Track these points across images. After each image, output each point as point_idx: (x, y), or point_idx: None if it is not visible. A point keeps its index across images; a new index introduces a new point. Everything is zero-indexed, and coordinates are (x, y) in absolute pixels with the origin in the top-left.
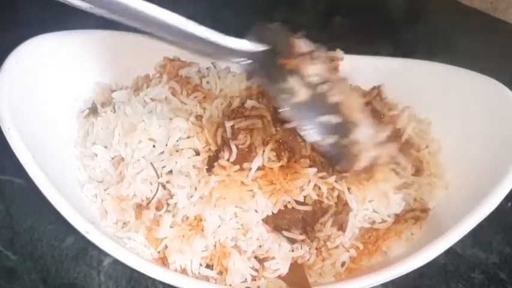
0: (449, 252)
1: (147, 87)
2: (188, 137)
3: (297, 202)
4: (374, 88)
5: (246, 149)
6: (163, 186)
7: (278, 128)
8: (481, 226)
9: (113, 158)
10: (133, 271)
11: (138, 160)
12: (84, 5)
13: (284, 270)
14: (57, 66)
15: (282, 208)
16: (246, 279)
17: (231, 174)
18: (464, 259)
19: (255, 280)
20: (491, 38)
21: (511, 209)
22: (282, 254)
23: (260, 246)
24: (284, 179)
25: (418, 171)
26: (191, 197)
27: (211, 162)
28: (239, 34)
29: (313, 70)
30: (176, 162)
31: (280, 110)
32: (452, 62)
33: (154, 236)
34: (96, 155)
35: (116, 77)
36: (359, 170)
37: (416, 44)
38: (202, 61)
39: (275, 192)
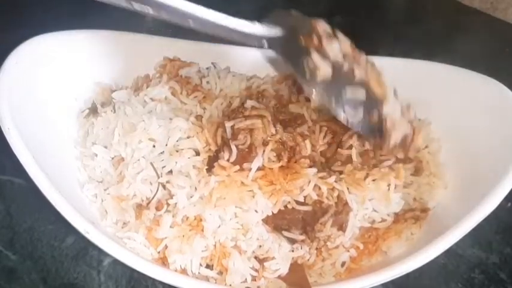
0: (449, 252)
1: (147, 87)
2: (188, 137)
3: (297, 202)
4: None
5: (246, 149)
6: (163, 186)
7: (278, 128)
8: (481, 226)
9: (113, 158)
10: (133, 271)
11: (138, 160)
12: None
13: (284, 270)
14: (57, 66)
15: (282, 208)
16: (246, 279)
17: (231, 175)
18: (464, 259)
19: (255, 280)
20: (491, 38)
21: (511, 209)
22: (282, 254)
23: (260, 246)
24: (284, 179)
25: (417, 171)
26: (191, 197)
27: (211, 163)
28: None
29: (336, 48)
30: (176, 162)
31: (309, 93)
32: (452, 62)
33: (154, 236)
34: (96, 155)
35: (116, 77)
36: (393, 147)
37: (416, 44)
38: (202, 61)
39: (275, 192)
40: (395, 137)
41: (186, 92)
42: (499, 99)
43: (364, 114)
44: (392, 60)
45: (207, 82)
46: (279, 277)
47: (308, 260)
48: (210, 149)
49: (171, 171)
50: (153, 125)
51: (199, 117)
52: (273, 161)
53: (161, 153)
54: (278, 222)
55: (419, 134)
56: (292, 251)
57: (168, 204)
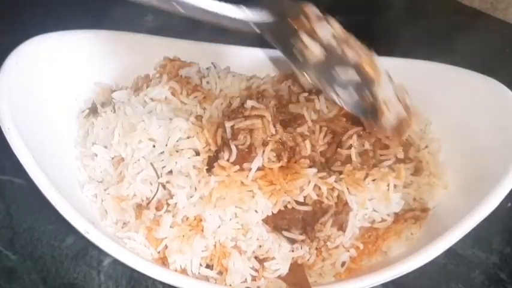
0: (449, 252)
1: (147, 87)
2: (188, 137)
3: (297, 202)
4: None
5: (246, 149)
6: (163, 186)
7: (278, 128)
8: (481, 226)
9: (113, 158)
10: (133, 271)
11: (138, 160)
12: None
13: (284, 270)
14: (57, 66)
15: (282, 208)
16: (246, 279)
17: (231, 175)
18: (464, 259)
19: (255, 280)
20: (491, 38)
21: (511, 209)
22: (282, 254)
23: (260, 246)
24: (284, 179)
25: (417, 171)
26: (191, 197)
27: (211, 163)
28: None
29: (327, 30)
30: (176, 163)
31: (301, 76)
32: (452, 62)
33: (154, 236)
34: (96, 155)
35: (116, 77)
36: (390, 129)
37: (416, 44)
38: (202, 61)
39: (275, 192)
40: (389, 118)
41: (186, 92)
42: (499, 99)
43: (358, 96)
44: (392, 60)
45: (207, 82)
46: (279, 277)
47: (308, 260)
48: (210, 149)
49: (171, 171)
50: (153, 125)
51: (199, 117)
52: (273, 161)
53: (161, 153)
54: (278, 222)
55: (413, 117)
56: (292, 251)
57: (168, 204)
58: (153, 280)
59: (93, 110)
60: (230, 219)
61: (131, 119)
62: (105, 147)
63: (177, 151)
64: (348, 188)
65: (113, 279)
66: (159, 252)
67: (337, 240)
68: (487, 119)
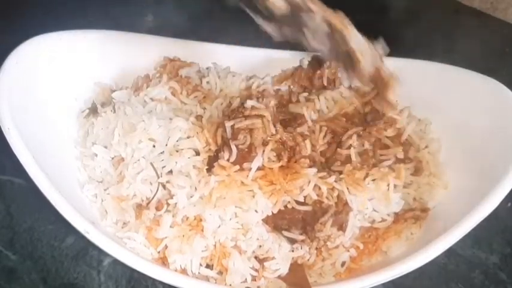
0: (449, 252)
1: (147, 87)
2: (188, 137)
3: (297, 202)
4: (374, 88)
5: (246, 149)
6: (163, 186)
7: (278, 128)
8: (481, 226)
9: (113, 158)
10: (133, 271)
11: (138, 160)
12: None
13: (284, 270)
14: (57, 66)
15: (282, 208)
16: (246, 279)
17: (231, 174)
18: (464, 259)
19: (255, 280)
20: (491, 38)
21: (511, 209)
22: (282, 254)
23: (260, 246)
24: (284, 179)
25: (417, 171)
26: (191, 197)
27: (211, 162)
28: None
29: None
30: (176, 162)
31: (267, 29)
32: (452, 62)
33: (154, 236)
34: (96, 155)
35: (116, 77)
36: (368, 76)
37: (416, 44)
38: (202, 61)
39: (275, 192)
40: (365, 65)
41: (186, 92)
42: (499, 99)
43: (330, 43)
44: (392, 60)
45: (207, 82)
46: (279, 277)
47: (308, 260)
48: (210, 149)
49: (171, 171)
50: (153, 125)
51: (199, 117)
52: (273, 161)
53: (161, 153)
54: (278, 222)
55: (394, 82)
56: (292, 251)
57: (168, 204)
58: (153, 280)
59: (93, 110)
60: (230, 219)
61: (131, 119)
62: (105, 147)
63: (177, 151)
64: (348, 188)
65: (113, 279)
66: (159, 252)
67: (337, 240)
68: (487, 119)
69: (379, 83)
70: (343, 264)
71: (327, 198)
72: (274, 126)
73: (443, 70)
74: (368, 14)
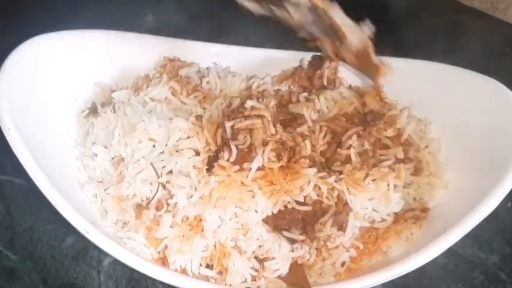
0: (449, 252)
1: (147, 87)
2: (188, 137)
3: (297, 202)
4: (374, 88)
5: (246, 149)
6: (163, 186)
7: (278, 128)
8: (481, 226)
9: (113, 158)
10: (133, 271)
11: (138, 160)
12: None
13: (284, 270)
14: (57, 66)
15: (282, 208)
16: (246, 279)
17: (231, 175)
18: (464, 259)
19: (255, 280)
20: (491, 38)
21: (511, 209)
22: (282, 254)
23: (260, 246)
24: (284, 179)
25: (417, 171)
26: (191, 197)
27: (211, 163)
28: None
29: None
30: (176, 163)
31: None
32: (452, 62)
33: (154, 236)
34: (96, 155)
35: (116, 77)
36: (356, 51)
37: (416, 44)
38: (202, 61)
39: (275, 192)
40: (352, 40)
41: (186, 92)
42: (499, 99)
43: (313, 16)
44: (392, 60)
45: (207, 82)
46: (279, 277)
47: (308, 260)
48: (210, 149)
49: (171, 171)
50: (153, 125)
51: (199, 117)
52: (273, 161)
53: (161, 153)
54: (278, 222)
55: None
56: (292, 251)
57: (168, 204)
58: (153, 280)
59: (93, 110)
60: (230, 219)
61: (131, 119)
62: (105, 147)
63: (177, 151)
64: (348, 188)
65: (113, 279)
66: (159, 252)
67: (337, 240)
68: (487, 119)
69: (367, 64)
70: (343, 264)
71: (327, 198)
72: (274, 126)
73: (443, 70)
74: (368, 14)
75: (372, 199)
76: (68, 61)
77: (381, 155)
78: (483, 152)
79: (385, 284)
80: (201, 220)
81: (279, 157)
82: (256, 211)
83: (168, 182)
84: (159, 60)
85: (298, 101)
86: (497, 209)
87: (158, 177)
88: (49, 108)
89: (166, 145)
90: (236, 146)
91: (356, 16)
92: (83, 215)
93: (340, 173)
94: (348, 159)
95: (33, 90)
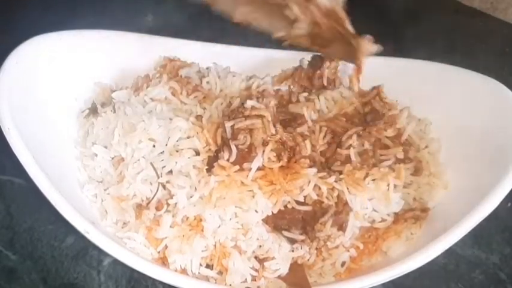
0: (449, 252)
1: (147, 87)
2: (188, 137)
3: (297, 202)
4: (374, 88)
5: (246, 149)
6: (163, 186)
7: (278, 128)
8: (481, 226)
9: (113, 158)
10: (133, 271)
11: (138, 160)
12: None
13: (284, 270)
14: (57, 66)
15: (282, 208)
16: (246, 279)
17: (231, 175)
18: (464, 259)
19: (255, 280)
20: (491, 38)
21: (511, 209)
22: (282, 254)
23: (260, 246)
24: (284, 179)
25: (417, 171)
26: (191, 197)
27: (211, 163)
28: None
29: None
30: (176, 162)
31: None
32: (452, 62)
33: (154, 236)
34: (96, 155)
35: (116, 77)
36: (323, 12)
37: (416, 44)
38: (202, 61)
39: (275, 192)
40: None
41: (186, 92)
42: (499, 99)
43: None
44: (392, 60)
45: (207, 82)
46: (279, 277)
47: (308, 260)
48: (210, 149)
49: (171, 171)
50: (153, 125)
51: (199, 117)
52: (273, 161)
53: (161, 153)
54: (278, 222)
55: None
56: (292, 251)
57: (168, 204)
58: (153, 280)
59: (93, 110)
60: (230, 219)
61: (131, 119)
62: (105, 147)
63: (177, 151)
64: (348, 188)
65: (113, 279)
66: (159, 252)
67: (337, 240)
68: (487, 119)
69: (343, 41)
70: (343, 264)
71: (327, 198)
72: (274, 126)
73: (443, 70)
74: (368, 14)
75: (372, 199)
76: (68, 61)
77: (381, 155)
78: (483, 152)
79: (385, 284)
80: (201, 220)
81: (279, 157)
82: (256, 211)
83: (168, 182)
84: (159, 60)
85: (298, 101)
86: (497, 209)
87: (158, 177)
88: (49, 108)
89: (166, 145)
90: (236, 146)
91: (356, 16)
92: (83, 215)
93: (340, 173)
94: (348, 159)
95: (33, 90)
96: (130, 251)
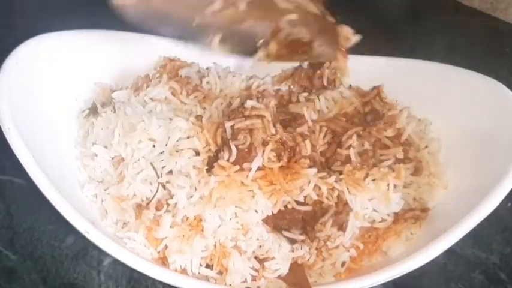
0: (449, 252)
1: (147, 87)
2: (188, 137)
3: (297, 202)
4: (374, 88)
5: (246, 149)
6: (163, 186)
7: (278, 128)
8: (481, 226)
9: (113, 158)
10: (133, 271)
11: (138, 160)
12: None
13: (284, 270)
14: (57, 66)
15: (282, 208)
16: (246, 279)
17: (231, 175)
18: (464, 259)
19: (255, 280)
20: (491, 38)
21: (511, 209)
22: (282, 254)
23: (260, 246)
24: (284, 179)
25: (417, 171)
26: (191, 197)
27: (211, 163)
28: None
29: None
30: (176, 163)
31: None
32: (452, 62)
33: (154, 236)
34: (96, 155)
35: (116, 77)
36: None
37: (416, 44)
38: (202, 61)
39: (275, 192)
40: None
41: (186, 92)
42: (499, 99)
43: None
44: (392, 60)
45: (207, 82)
46: (279, 277)
47: (308, 260)
48: (210, 149)
49: (171, 171)
50: (153, 125)
51: (199, 117)
52: (273, 161)
53: (161, 153)
54: (278, 222)
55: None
56: (292, 251)
57: (168, 204)
58: (153, 280)
59: (93, 110)
60: (230, 219)
61: (131, 119)
62: (105, 147)
63: (177, 151)
64: (348, 188)
65: (113, 279)
66: (159, 252)
67: (337, 240)
68: (487, 119)
69: (323, 28)
70: (343, 264)
71: (327, 198)
72: (274, 126)
73: (443, 70)
74: (368, 14)
75: (372, 199)
76: (68, 61)
77: (381, 155)
78: (483, 152)
79: (385, 284)
80: (201, 220)
81: (279, 157)
82: (256, 211)
83: (168, 182)
84: (159, 60)
85: (298, 101)
86: (497, 209)
87: (158, 177)
88: (49, 108)
89: (166, 145)
90: (236, 146)
91: (356, 16)
92: (83, 215)
93: (340, 173)
94: (348, 159)
95: (33, 90)
96: (131, 251)
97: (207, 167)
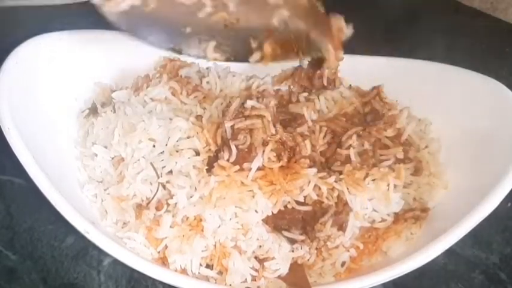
0: (449, 252)
1: (147, 87)
2: (188, 137)
3: (297, 202)
4: (374, 88)
5: (246, 149)
6: (163, 186)
7: (278, 128)
8: (481, 226)
9: (113, 158)
10: (133, 271)
11: (138, 160)
12: None
13: (284, 270)
14: (57, 66)
15: (282, 208)
16: (246, 279)
17: (231, 175)
18: (464, 259)
19: (255, 280)
20: (491, 38)
21: (511, 209)
22: (282, 254)
23: (260, 246)
24: (284, 179)
25: (417, 171)
26: (191, 197)
27: (211, 163)
28: None
29: None
30: (176, 163)
31: None
32: (452, 62)
33: (154, 236)
34: (96, 155)
35: (116, 77)
36: None
37: (416, 44)
38: (202, 61)
39: (275, 192)
40: None
41: (186, 92)
42: (499, 99)
43: None
44: (392, 60)
45: (207, 82)
46: (279, 277)
47: (308, 260)
48: (210, 149)
49: (171, 171)
50: (153, 125)
51: (199, 117)
52: (273, 161)
53: (161, 153)
54: (278, 222)
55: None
56: (292, 251)
57: (168, 204)
58: (153, 280)
59: (93, 110)
60: (230, 219)
61: (131, 119)
62: (105, 147)
63: (177, 151)
64: (348, 188)
65: (113, 279)
66: (159, 252)
67: (337, 240)
68: (487, 119)
69: (317, 24)
70: (343, 264)
71: (327, 198)
72: (274, 126)
73: (443, 70)
74: (368, 14)
75: (372, 199)
76: (68, 61)
77: (381, 155)
78: (483, 151)
79: (385, 284)
80: (201, 220)
81: (279, 157)
82: (256, 211)
83: (168, 182)
84: (159, 60)
85: (298, 101)
86: (497, 209)
87: (158, 177)
88: (49, 108)
89: (166, 145)
90: (236, 146)
91: (356, 16)
92: (83, 215)
93: (340, 173)
94: (348, 159)
95: (33, 90)
96: (131, 251)
97: (207, 167)
